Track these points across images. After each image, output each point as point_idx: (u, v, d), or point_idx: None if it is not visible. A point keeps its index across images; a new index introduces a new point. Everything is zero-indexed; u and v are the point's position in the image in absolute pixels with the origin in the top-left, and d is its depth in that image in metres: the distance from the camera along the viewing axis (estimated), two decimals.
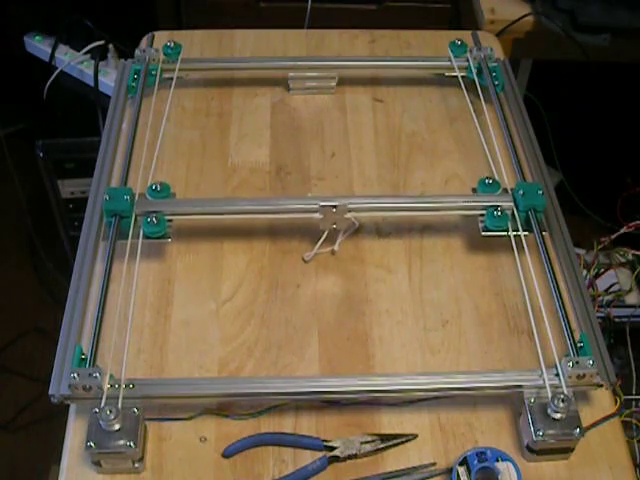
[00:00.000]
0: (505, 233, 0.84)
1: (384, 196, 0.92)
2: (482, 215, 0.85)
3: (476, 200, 0.87)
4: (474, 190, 0.89)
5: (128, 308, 0.78)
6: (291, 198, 0.89)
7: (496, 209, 0.84)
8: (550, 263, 0.81)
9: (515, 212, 0.85)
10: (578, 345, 0.74)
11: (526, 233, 0.84)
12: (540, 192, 0.85)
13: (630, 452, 0.73)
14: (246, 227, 0.88)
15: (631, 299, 1.17)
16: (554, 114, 1.26)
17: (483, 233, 0.85)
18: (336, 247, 0.86)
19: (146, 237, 0.83)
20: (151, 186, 0.86)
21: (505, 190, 0.87)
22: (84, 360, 0.72)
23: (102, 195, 0.85)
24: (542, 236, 0.83)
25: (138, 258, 0.81)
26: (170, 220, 0.84)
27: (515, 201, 0.85)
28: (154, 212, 0.83)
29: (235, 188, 0.93)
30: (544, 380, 0.72)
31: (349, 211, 0.84)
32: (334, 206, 0.83)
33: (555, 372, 0.72)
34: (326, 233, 0.86)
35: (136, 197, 0.84)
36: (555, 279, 0.80)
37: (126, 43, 1.48)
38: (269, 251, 0.87)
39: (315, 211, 0.84)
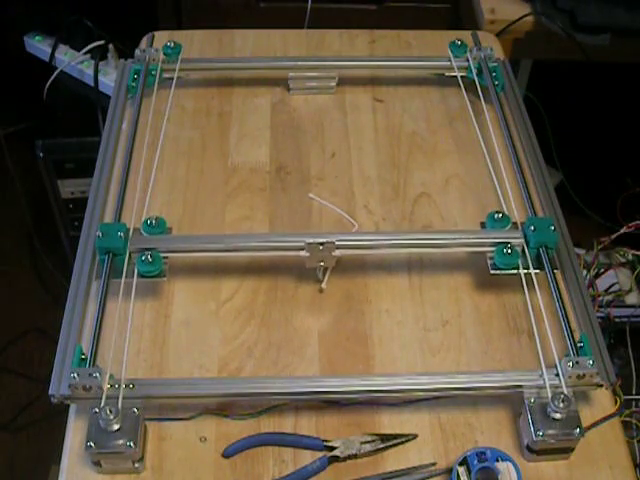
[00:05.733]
0: (515, 271, 0.81)
1: (380, 232, 0.88)
2: (491, 251, 0.82)
3: (485, 236, 0.83)
4: (482, 225, 0.87)
5: (128, 308, 0.78)
6: (279, 235, 0.85)
7: (506, 246, 0.81)
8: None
9: (525, 249, 0.81)
10: (578, 345, 0.74)
11: (537, 271, 0.81)
12: (552, 228, 0.82)
13: (630, 452, 0.73)
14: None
15: (631, 299, 1.17)
16: (554, 114, 1.26)
17: (492, 272, 0.81)
18: (324, 285, 0.83)
19: (141, 276, 0.79)
20: (146, 221, 0.82)
21: (515, 225, 0.84)
22: (84, 360, 0.72)
23: (95, 231, 0.81)
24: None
25: (133, 298, 0.78)
26: (166, 257, 0.81)
27: (526, 237, 0.82)
28: (149, 249, 0.80)
29: (235, 188, 0.93)
30: (544, 380, 0.72)
31: (337, 248, 0.80)
32: (321, 243, 0.79)
33: (555, 372, 0.72)
34: (322, 269, 0.82)
35: (130, 232, 0.81)
36: (556, 280, 0.80)
37: (126, 43, 1.47)
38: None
39: (302, 248, 0.80)
